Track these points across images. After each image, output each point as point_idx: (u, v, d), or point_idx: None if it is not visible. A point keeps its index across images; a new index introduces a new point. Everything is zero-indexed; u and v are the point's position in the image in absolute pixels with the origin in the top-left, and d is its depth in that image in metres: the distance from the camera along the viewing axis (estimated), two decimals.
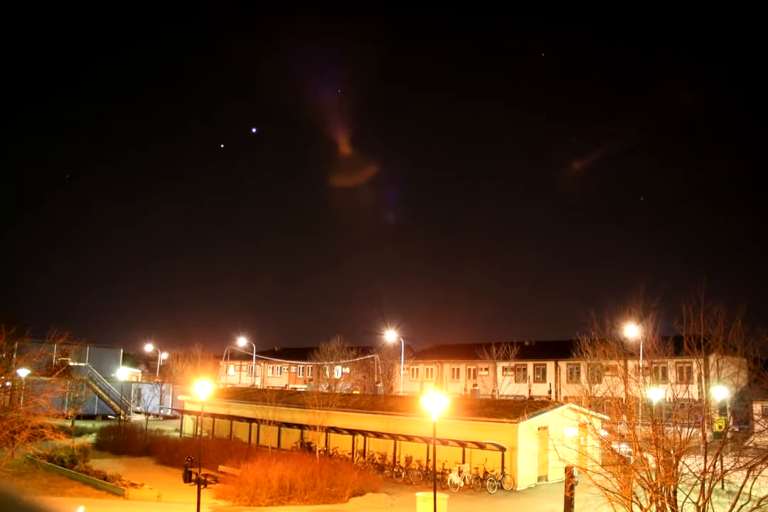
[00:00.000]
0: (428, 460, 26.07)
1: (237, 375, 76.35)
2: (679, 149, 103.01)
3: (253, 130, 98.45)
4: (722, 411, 27.72)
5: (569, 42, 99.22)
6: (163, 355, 65.09)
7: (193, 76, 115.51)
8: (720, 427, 22.21)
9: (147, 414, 46.32)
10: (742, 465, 11.77)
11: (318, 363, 56.45)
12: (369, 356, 56.56)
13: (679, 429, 12.29)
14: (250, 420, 33.22)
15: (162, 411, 52.21)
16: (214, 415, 36.82)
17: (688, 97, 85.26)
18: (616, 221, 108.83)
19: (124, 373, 58.29)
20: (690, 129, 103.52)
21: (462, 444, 25.65)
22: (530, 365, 54.80)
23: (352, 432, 29.64)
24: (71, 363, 46.99)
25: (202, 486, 19.74)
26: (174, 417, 48.20)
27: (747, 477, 11.63)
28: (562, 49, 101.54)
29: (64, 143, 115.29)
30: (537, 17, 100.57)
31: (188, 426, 40.14)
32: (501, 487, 24.31)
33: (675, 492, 12.17)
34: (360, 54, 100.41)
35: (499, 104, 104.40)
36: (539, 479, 25.80)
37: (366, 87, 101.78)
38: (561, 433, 19.19)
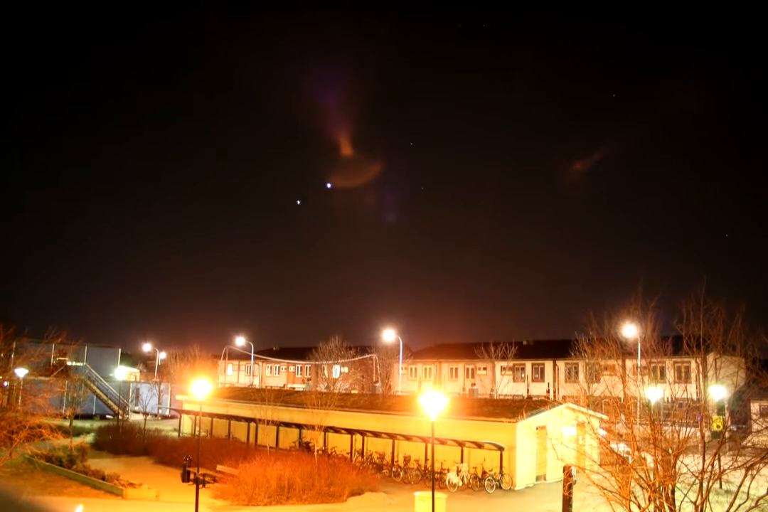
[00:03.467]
0: (426, 460, 26.06)
1: (235, 374, 76.32)
2: (679, 149, 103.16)
3: (328, 185, 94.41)
4: (720, 410, 27.79)
5: (571, 42, 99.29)
6: (162, 355, 65.03)
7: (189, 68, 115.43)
8: (718, 427, 22.28)
9: (145, 413, 46.34)
10: (740, 464, 11.77)
11: (316, 362, 56.43)
12: (367, 355, 56.57)
13: (677, 428, 12.29)
14: (249, 420, 33.21)
15: (160, 411, 52.20)
16: (212, 415, 36.78)
17: (690, 98, 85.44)
18: (615, 220, 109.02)
19: (122, 373, 58.21)
20: (691, 129, 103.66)
21: (460, 444, 25.66)
22: (528, 364, 54.84)
23: (351, 431, 29.63)
24: (69, 363, 46.93)
25: (200, 486, 19.74)
26: (172, 417, 48.17)
27: (745, 476, 11.63)
28: (564, 50, 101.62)
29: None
30: (539, 18, 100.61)
31: (186, 425, 40.12)
32: (499, 487, 24.32)
33: (673, 492, 12.17)
34: (362, 55, 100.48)
35: (501, 106, 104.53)
36: (537, 478, 25.82)
37: (368, 88, 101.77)
38: (559, 433, 19.17)
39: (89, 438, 34.43)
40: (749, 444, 13.07)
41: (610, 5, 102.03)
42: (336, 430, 29.69)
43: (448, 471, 24.69)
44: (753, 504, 11.60)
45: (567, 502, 16.74)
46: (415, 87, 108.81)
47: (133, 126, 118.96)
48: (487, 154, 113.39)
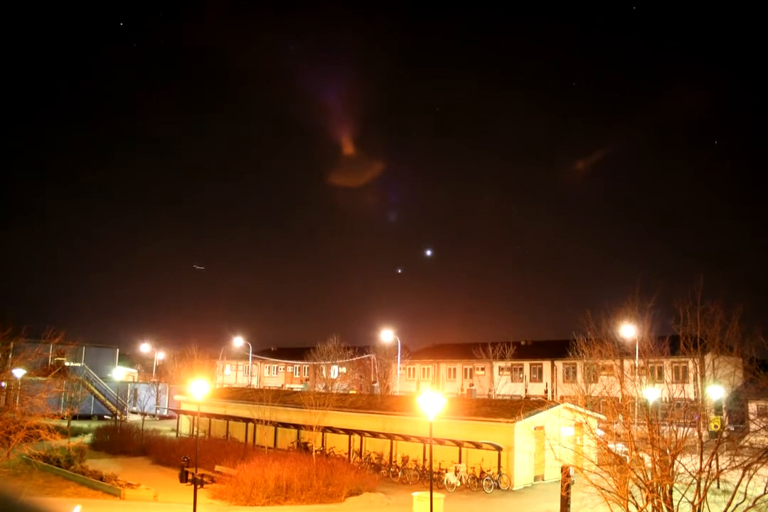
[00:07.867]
0: (425, 460, 26.07)
1: (233, 375, 76.28)
2: (679, 150, 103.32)
3: (428, 252, 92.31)
4: (718, 410, 27.84)
5: (571, 43, 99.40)
6: (160, 355, 64.96)
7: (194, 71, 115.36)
8: (716, 426, 22.32)
9: (143, 414, 46.28)
10: (737, 464, 11.80)
11: (314, 362, 56.45)
12: (365, 356, 56.61)
13: (675, 428, 12.31)
14: (247, 420, 33.18)
15: (158, 411, 52.14)
16: (210, 415, 36.77)
17: (689, 99, 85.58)
18: (614, 221, 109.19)
19: (120, 373, 58.14)
20: (690, 129, 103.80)
21: (458, 444, 25.66)
22: (527, 365, 54.88)
23: (349, 431, 29.63)
24: (67, 363, 46.82)
25: (198, 486, 19.71)
26: (170, 418, 48.13)
27: (743, 476, 11.65)
28: (564, 51, 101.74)
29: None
30: (541, 18, 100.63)
31: (185, 426, 40.11)
32: (497, 487, 24.34)
33: (671, 492, 12.19)
34: (366, 54, 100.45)
35: (502, 106, 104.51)
36: (536, 478, 25.84)
37: (371, 87, 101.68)
38: (557, 433, 19.22)
39: (87, 439, 34.38)
40: (747, 443, 13.09)
41: (610, 6, 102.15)
42: (334, 430, 29.68)
43: (447, 471, 24.70)
44: (750, 504, 11.62)
45: (565, 502, 16.76)
46: (416, 86, 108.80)
47: (133, 126, 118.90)
48: (488, 153, 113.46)
